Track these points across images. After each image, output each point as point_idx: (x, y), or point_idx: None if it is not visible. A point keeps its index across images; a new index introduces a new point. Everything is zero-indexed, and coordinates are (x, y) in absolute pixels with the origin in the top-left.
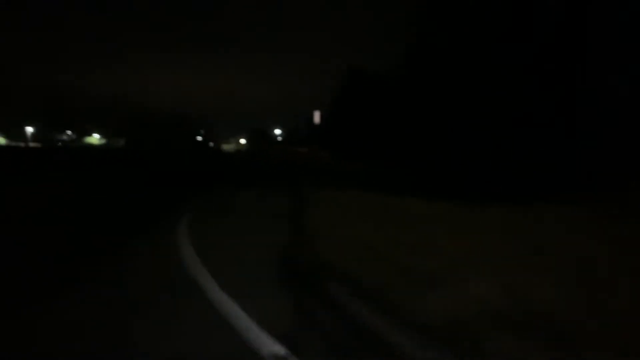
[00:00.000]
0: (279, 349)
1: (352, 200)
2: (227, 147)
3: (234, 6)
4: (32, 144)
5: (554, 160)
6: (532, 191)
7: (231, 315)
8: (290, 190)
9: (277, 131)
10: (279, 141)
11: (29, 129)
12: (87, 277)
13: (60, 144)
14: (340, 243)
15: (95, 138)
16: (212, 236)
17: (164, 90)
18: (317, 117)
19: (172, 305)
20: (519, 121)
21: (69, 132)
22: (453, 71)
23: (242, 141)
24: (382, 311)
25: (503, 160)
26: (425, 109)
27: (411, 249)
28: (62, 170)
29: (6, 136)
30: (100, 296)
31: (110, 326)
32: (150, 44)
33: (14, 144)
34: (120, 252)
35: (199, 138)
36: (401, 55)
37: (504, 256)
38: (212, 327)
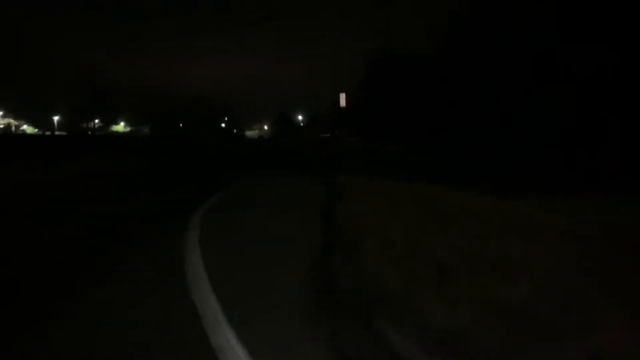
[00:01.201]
0: None
1: (393, 191)
2: (250, 133)
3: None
4: (57, 133)
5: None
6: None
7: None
8: (321, 177)
9: (300, 117)
10: (301, 127)
11: (56, 118)
12: None
13: (89, 132)
14: (389, 251)
15: (121, 126)
16: (235, 240)
17: (187, 76)
18: (342, 100)
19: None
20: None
21: (96, 120)
22: (492, 57)
23: (265, 127)
24: None
25: (538, 148)
26: (462, 94)
27: (490, 267)
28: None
29: (34, 125)
30: None
31: None
32: (171, 29)
33: (40, 132)
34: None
35: (223, 125)
36: (432, 39)
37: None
38: None
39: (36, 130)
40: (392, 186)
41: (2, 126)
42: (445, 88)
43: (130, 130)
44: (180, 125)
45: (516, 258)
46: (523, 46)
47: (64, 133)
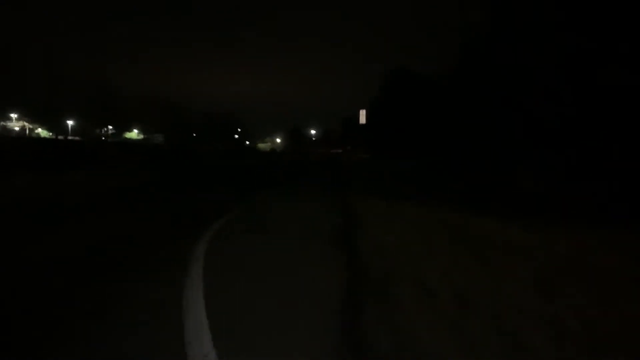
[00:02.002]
0: None
1: (421, 220)
2: (263, 146)
3: (272, 6)
4: (70, 137)
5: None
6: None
7: None
8: (335, 196)
9: (313, 131)
10: (314, 141)
11: (70, 123)
12: None
13: (103, 138)
14: (432, 306)
15: (134, 133)
16: (240, 274)
17: (202, 88)
18: (362, 116)
19: None
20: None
21: (109, 127)
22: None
23: (278, 140)
24: None
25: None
26: (479, 115)
27: (570, 338)
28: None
29: (49, 129)
30: None
31: None
32: (188, 43)
33: (54, 137)
34: None
35: (236, 137)
36: (449, 59)
37: None
38: None
39: (50, 134)
40: (418, 214)
41: (17, 129)
42: (458, 104)
43: (143, 138)
44: (194, 135)
45: (599, 322)
46: (542, 61)
47: (77, 138)
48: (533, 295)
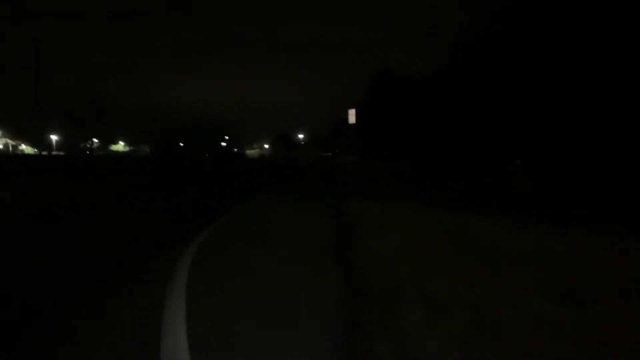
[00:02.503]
0: None
1: (420, 226)
2: (251, 152)
3: (272, 7)
4: (54, 153)
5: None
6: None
7: None
8: (326, 201)
9: (300, 136)
10: (302, 145)
11: (54, 137)
12: None
13: (88, 152)
14: (441, 321)
15: (120, 145)
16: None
17: (188, 95)
18: (351, 116)
19: None
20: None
21: (95, 140)
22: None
23: (266, 146)
24: None
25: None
26: (479, 115)
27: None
28: None
29: (33, 145)
30: None
31: None
32: (170, 48)
33: (39, 152)
34: None
35: (224, 144)
36: (448, 59)
37: None
38: None
39: (35, 150)
40: (417, 220)
41: (0, 146)
42: (458, 104)
43: (130, 150)
44: (181, 144)
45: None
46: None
47: (61, 153)
48: (538, 300)
